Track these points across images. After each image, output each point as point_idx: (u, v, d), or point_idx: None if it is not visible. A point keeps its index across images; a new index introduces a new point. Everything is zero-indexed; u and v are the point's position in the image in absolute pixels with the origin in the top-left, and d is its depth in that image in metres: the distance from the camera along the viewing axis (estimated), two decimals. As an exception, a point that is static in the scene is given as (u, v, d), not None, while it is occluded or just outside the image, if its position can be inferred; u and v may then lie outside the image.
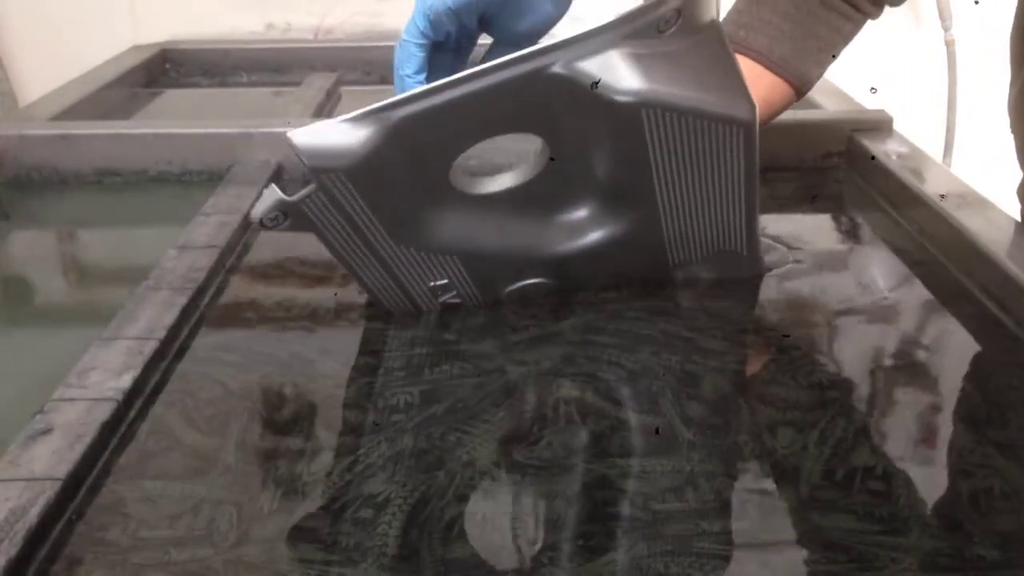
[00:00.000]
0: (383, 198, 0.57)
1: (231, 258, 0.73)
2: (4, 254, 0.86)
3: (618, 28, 0.56)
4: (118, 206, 0.89)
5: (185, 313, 0.63)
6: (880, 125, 0.92)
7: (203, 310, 0.66)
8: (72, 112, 1.04)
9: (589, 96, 0.56)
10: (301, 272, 0.72)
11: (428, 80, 0.61)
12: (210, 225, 0.76)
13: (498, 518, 0.47)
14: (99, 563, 0.44)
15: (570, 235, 0.63)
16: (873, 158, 0.85)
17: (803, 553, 0.44)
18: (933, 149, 1.45)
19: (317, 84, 1.20)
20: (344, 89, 1.25)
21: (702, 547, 0.44)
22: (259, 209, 0.57)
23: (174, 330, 0.61)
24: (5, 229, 0.88)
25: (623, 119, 0.57)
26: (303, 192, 0.56)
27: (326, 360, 0.61)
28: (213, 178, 0.88)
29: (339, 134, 0.55)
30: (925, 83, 1.43)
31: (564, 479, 0.49)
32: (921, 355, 0.62)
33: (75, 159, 0.90)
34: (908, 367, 0.61)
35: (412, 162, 0.57)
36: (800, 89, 0.75)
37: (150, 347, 0.58)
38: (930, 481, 0.50)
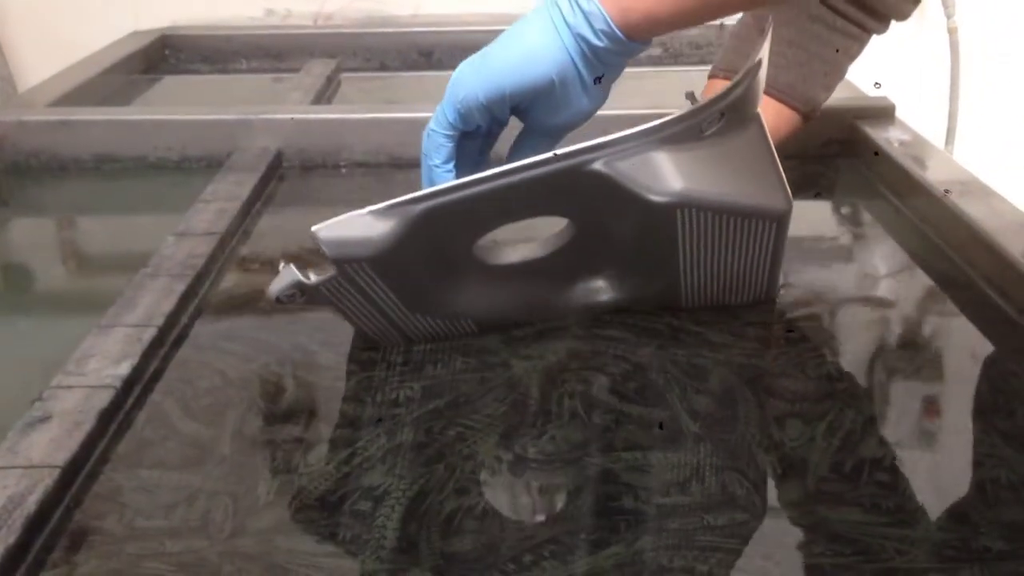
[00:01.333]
0: (403, 278, 0.57)
1: (230, 245, 0.73)
2: (2, 241, 0.85)
3: (661, 132, 0.55)
4: (117, 193, 0.88)
5: (184, 300, 0.63)
6: (882, 112, 0.91)
7: (202, 298, 0.65)
8: (71, 98, 1.03)
9: (625, 193, 0.55)
10: (303, 260, 0.71)
11: (456, 165, 0.60)
12: (209, 212, 0.75)
13: (498, 511, 0.46)
14: (96, 553, 0.44)
15: (586, 296, 0.63)
16: (877, 153, 0.84)
17: (809, 546, 0.44)
18: (935, 139, 1.44)
19: (317, 71, 1.20)
20: (344, 76, 1.25)
21: (706, 541, 0.44)
22: (276, 288, 0.56)
23: (172, 317, 0.61)
24: (3, 216, 0.88)
25: (657, 214, 0.56)
26: (322, 277, 0.56)
27: (327, 352, 0.60)
28: (212, 165, 0.87)
29: (363, 226, 0.54)
30: (928, 78, 1.42)
31: (566, 472, 0.49)
32: (926, 345, 0.62)
33: (74, 145, 0.90)
34: (913, 357, 0.60)
35: (435, 245, 0.56)
36: (807, 115, 0.75)
37: (148, 334, 0.58)
38: (937, 472, 0.50)
